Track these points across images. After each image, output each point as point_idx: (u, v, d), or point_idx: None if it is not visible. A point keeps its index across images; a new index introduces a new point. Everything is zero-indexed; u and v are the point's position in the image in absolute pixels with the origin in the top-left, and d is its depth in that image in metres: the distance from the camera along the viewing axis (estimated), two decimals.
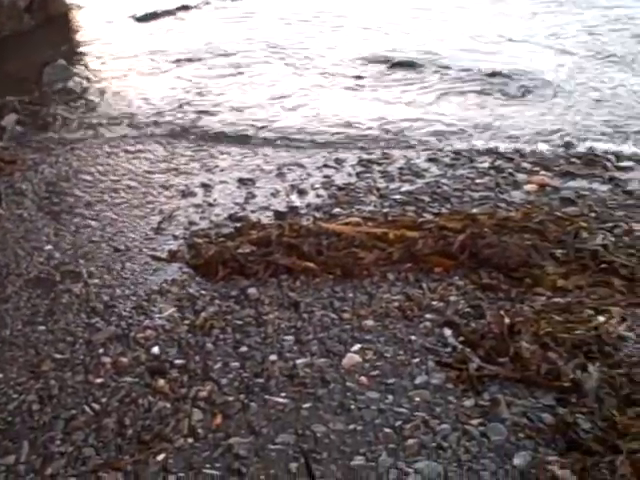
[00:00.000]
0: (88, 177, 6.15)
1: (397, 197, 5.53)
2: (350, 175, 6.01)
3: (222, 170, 6.24)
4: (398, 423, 3.26)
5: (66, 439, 3.25)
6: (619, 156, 6.21)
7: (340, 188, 5.75)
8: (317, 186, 5.82)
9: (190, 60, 9.31)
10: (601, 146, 6.45)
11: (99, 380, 3.65)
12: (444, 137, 6.83)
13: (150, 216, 5.43)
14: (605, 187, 5.66)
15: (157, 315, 4.19)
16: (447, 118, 7.24)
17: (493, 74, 8.32)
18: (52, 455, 3.16)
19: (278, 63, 9.16)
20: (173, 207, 5.55)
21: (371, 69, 8.77)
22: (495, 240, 4.63)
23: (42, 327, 4.10)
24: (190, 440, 3.20)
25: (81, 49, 10.09)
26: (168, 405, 3.42)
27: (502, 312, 4.00)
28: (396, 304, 4.18)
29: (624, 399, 3.29)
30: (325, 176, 6.00)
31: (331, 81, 8.43)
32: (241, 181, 5.97)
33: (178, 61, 9.31)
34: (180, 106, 7.72)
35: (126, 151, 6.69)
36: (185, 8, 11.82)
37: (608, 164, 6.07)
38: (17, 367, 3.78)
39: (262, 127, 7.16)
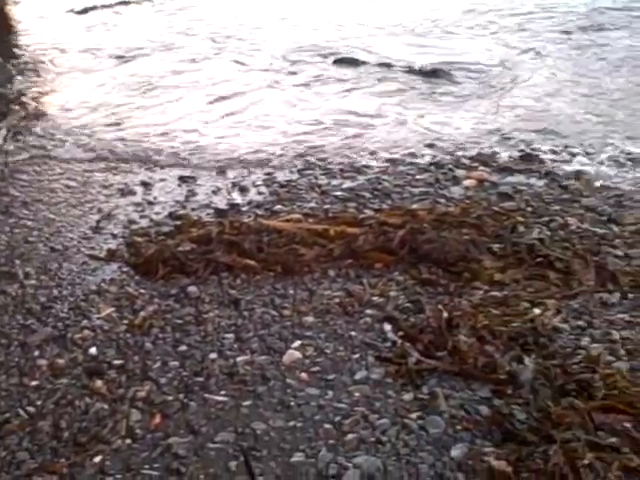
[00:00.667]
0: (24, 177, 6.03)
1: (338, 194, 5.55)
2: (292, 172, 6.01)
3: (162, 168, 6.19)
4: (338, 418, 3.27)
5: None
6: (555, 151, 6.35)
7: (282, 185, 5.75)
8: (259, 183, 5.81)
9: (127, 57, 9.19)
10: (538, 142, 6.58)
11: (34, 382, 3.57)
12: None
13: (88, 215, 5.35)
14: (542, 182, 5.77)
15: (95, 315, 4.13)
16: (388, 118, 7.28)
17: (434, 71, 8.40)
18: None
19: (221, 58, 9.12)
20: (112, 206, 5.48)
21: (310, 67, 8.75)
22: (434, 235, 4.68)
23: None
24: (128, 441, 3.16)
25: (18, 45, 9.89)
26: (106, 406, 3.37)
27: (441, 306, 4.05)
28: (337, 300, 4.19)
29: (558, 390, 3.36)
30: (267, 173, 5.99)
31: (274, 78, 8.41)
32: (182, 179, 5.93)
33: (118, 57, 9.19)
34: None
35: None
36: (125, 3, 11.68)
37: (545, 159, 6.20)
38: None
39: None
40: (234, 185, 5.78)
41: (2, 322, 4.05)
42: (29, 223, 5.23)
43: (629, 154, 6.27)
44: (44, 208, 5.45)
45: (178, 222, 5.16)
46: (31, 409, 3.37)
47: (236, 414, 3.30)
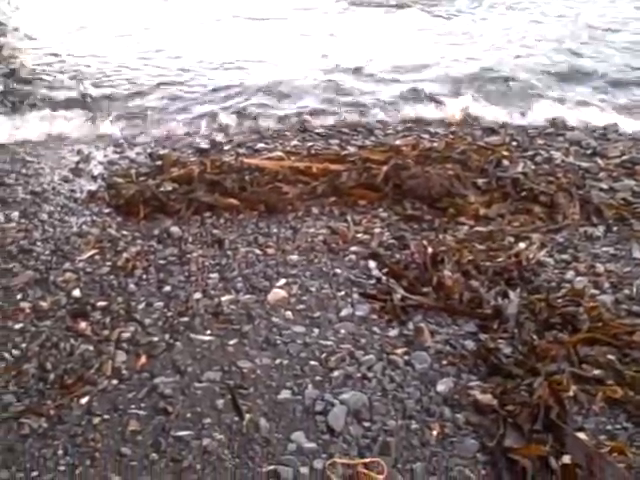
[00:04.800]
0: None
1: (321, 131, 5.48)
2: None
3: None
4: (324, 356, 3.27)
5: None
6: None
7: None
8: None
9: None
10: None
11: (18, 325, 3.53)
12: None
13: (68, 157, 5.27)
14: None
15: (77, 258, 4.08)
16: None
17: None
18: None
19: None
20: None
21: None
22: (419, 171, 4.64)
23: None
24: (114, 382, 3.15)
25: None
26: (91, 348, 3.35)
27: (425, 242, 4.03)
28: (321, 238, 4.17)
29: (543, 323, 3.37)
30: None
31: None
32: None
33: None
34: None
35: None
36: None
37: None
38: None
39: None
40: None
41: None
42: (6, 166, 5.13)
43: None
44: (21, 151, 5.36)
45: (158, 162, 5.09)
46: (16, 352, 3.34)
47: (222, 353, 3.30)
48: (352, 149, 5.14)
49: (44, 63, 7.24)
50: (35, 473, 2.73)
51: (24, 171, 5.05)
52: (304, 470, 2.68)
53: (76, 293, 3.77)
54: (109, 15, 8.97)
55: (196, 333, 3.42)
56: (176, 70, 7.03)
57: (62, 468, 2.75)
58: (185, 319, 3.52)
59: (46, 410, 3.01)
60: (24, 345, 3.39)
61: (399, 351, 3.28)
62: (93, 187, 4.85)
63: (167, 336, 3.41)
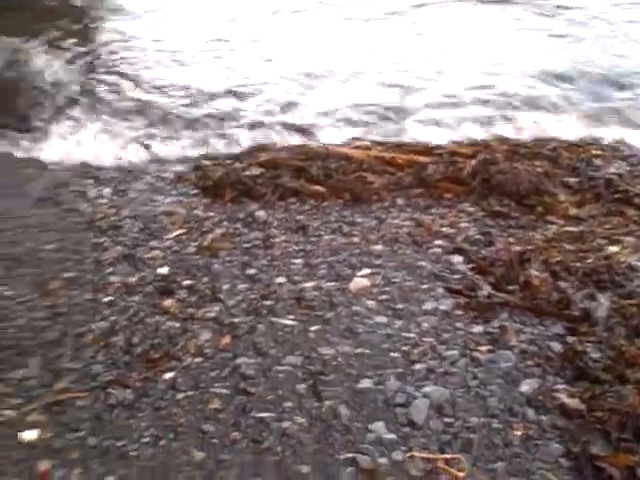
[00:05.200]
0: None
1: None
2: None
3: None
4: (406, 348, 3.24)
5: (75, 355, 3.25)
6: None
7: None
8: None
9: None
10: None
11: (107, 299, 3.63)
12: None
13: None
14: None
15: (164, 236, 4.16)
16: None
17: None
18: (62, 371, 3.16)
19: None
20: None
21: None
22: (507, 167, 4.55)
23: (50, 246, 4.07)
24: (198, 359, 3.20)
25: None
26: (176, 325, 3.42)
27: (512, 240, 3.96)
28: (405, 230, 4.14)
29: (633, 329, 3.27)
30: None
31: None
32: None
33: None
34: None
35: None
36: None
37: None
38: (25, 284, 3.77)
39: None
40: None
41: (76, 239, 4.11)
42: None
43: None
44: None
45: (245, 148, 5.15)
46: (105, 324, 3.43)
47: (304, 338, 3.31)
48: (439, 142, 5.07)
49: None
50: (121, 443, 2.80)
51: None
52: (383, 460, 2.66)
53: (163, 271, 3.85)
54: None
55: (278, 317, 3.44)
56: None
57: (146, 440, 2.81)
58: (268, 302, 3.54)
59: (132, 382, 3.08)
60: (113, 318, 3.48)
61: (483, 348, 3.23)
62: (181, 168, 4.92)
63: (250, 318, 3.44)
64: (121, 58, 7.21)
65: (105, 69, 6.96)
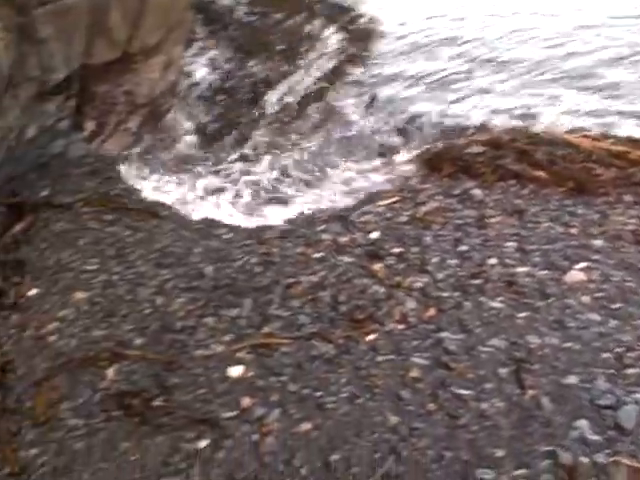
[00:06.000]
0: None
1: None
2: None
3: None
4: (619, 350, 3.04)
5: (283, 304, 3.37)
6: None
7: None
8: None
9: None
10: None
11: (317, 255, 3.73)
12: None
13: None
14: None
15: (378, 202, 4.20)
16: None
17: None
18: (270, 316, 3.30)
19: None
20: None
21: None
22: None
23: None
24: (401, 326, 3.20)
25: None
26: (382, 290, 3.44)
27: None
28: (630, 227, 3.87)
29: None
30: None
31: None
32: None
33: None
34: None
35: None
36: None
37: None
38: (244, 231, 3.96)
39: None
40: None
41: None
42: None
43: None
44: None
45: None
46: (314, 279, 3.53)
47: (510, 323, 3.21)
48: None
49: None
50: (319, 393, 2.88)
51: None
52: (584, 460, 2.54)
53: (373, 235, 3.88)
54: None
55: (486, 298, 3.36)
56: None
57: (343, 395, 2.87)
58: (477, 282, 3.47)
59: (335, 338, 3.15)
60: (322, 274, 3.56)
61: None
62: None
63: (457, 294, 3.39)
64: None
65: None
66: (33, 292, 3.51)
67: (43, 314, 3.38)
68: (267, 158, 5.06)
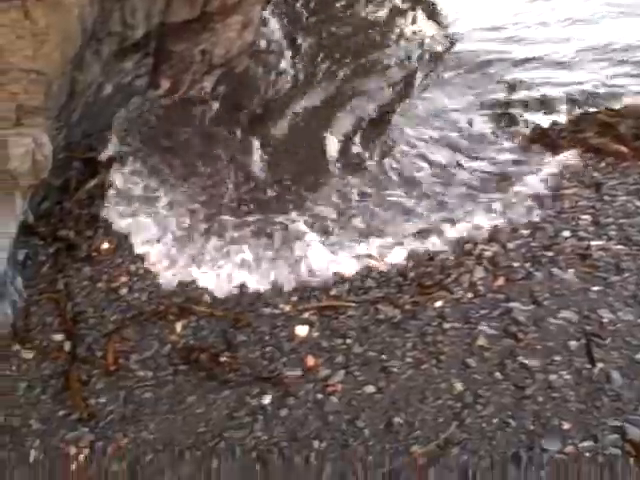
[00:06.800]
0: None
1: None
2: None
3: None
4: None
5: None
6: None
7: None
8: None
9: None
10: None
11: None
12: None
13: None
14: None
15: None
16: None
17: None
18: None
19: None
20: None
21: None
22: None
23: None
24: (469, 295, 3.16)
25: None
26: (451, 257, 3.40)
27: None
28: None
29: None
30: None
31: None
32: None
33: None
34: None
35: None
36: None
37: None
38: None
39: None
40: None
41: None
42: None
43: None
44: None
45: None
46: None
47: (583, 296, 3.13)
48: None
49: None
50: (384, 357, 2.87)
51: None
52: None
53: None
54: None
55: (559, 269, 3.29)
56: None
57: (408, 360, 2.86)
58: (549, 253, 3.39)
59: (402, 303, 3.14)
60: None
61: None
62: None
63: (528, 265, 3.32)
64: None
65: None
66: (105, 246, 3.59)
67: (115, 267, 3.45)
68: None
